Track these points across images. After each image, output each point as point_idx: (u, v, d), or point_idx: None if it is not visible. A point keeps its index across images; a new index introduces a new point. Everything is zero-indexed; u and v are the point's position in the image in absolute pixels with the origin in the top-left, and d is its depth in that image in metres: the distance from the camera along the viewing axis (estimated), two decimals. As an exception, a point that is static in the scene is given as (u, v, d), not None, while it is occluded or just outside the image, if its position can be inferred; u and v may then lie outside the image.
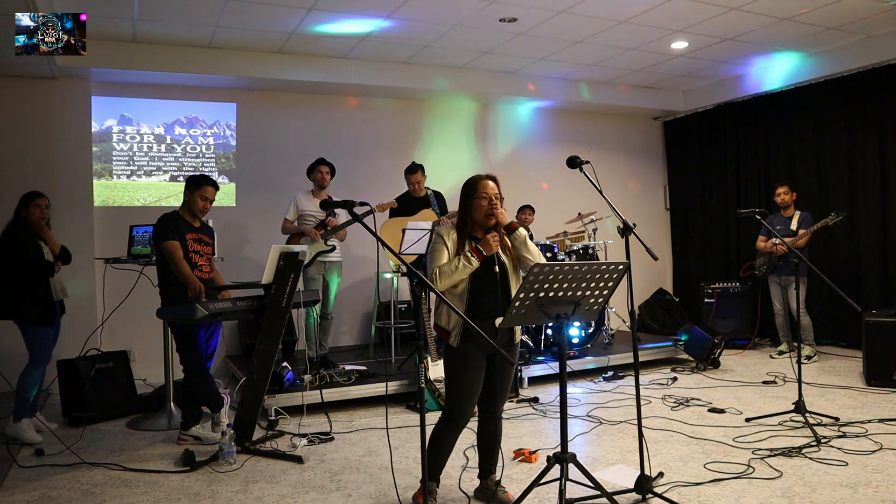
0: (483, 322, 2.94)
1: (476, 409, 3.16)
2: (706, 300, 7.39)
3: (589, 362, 6.02)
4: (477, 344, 2.97)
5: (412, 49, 6.56)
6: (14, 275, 4.34)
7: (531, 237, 6.73)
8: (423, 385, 2.67)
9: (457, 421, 3.03)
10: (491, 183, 3.05)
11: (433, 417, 3.11)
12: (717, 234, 8.45)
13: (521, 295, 2.68)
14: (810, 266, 4.65)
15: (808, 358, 6.27)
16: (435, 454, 3.03)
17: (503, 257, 3.09)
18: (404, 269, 2.92)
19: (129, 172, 6.55)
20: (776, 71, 7.40)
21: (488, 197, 3.01)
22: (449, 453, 3.12)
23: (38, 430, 4.45)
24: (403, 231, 5.49)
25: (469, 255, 2.92)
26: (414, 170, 6.04)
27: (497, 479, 3.24)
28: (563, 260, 6.25)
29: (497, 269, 3.03)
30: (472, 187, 3.05)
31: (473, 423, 3.24)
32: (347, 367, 5.39)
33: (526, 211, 7.07)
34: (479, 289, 2.99)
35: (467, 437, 3.44)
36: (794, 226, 6.30)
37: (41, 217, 4.45)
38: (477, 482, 3.29)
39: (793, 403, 4.34)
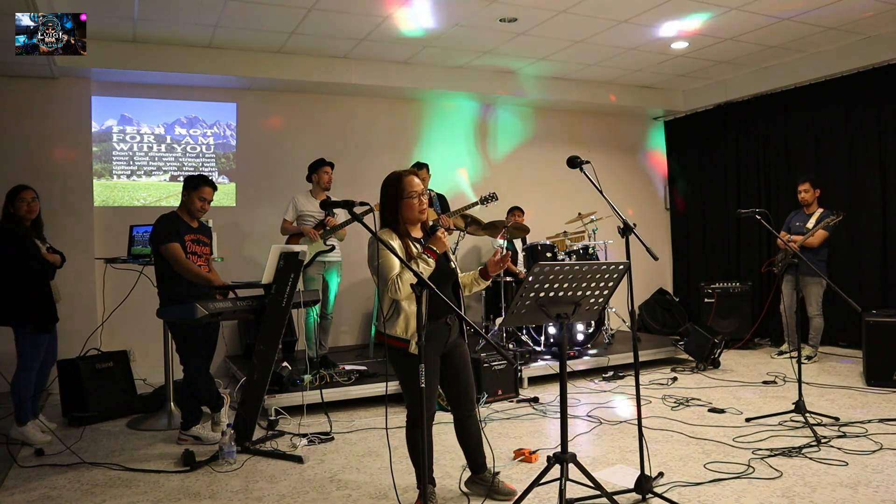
0: (437, 321, 2.92)
1: (451, 413, 3.17)
2: (706, 300, 7.39)
3: (589, 362, 6.02)
4: (431, 345, 2.92)
5: (412, 49, 6.56)
6: (12, 277, 4.22)
7: (525, 240, 6.79)
8: (423, 385, 2.67)
9: (424, 422, 2.99)
10: (416, 179, 2.99)
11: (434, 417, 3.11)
12: (717, 234, 8.44)
13: (522, 295, 2.68)
14: (810, 266, 4.66)
15: (809, 358, 6.26)
16: (418, 458, 2.99)
17: (450, 254, 3.09)
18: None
19: (129, 172, 6.55)
20: (776, 71, 7.40)
21: (418, 195, 2.97)
22: (431, 453, 3.12)
23: (43, 431, 4.42)
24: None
25: (425, 257, 2.86)
26: (419, 168, 6.10)
27: (495, 470, 3.25)
28: (563, 260, 6.25)
29: (453, 266, 3.01)
30: (398, 186, 2.97)
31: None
32: (347, 367, 5.39)
33: (516, 212, 7.07)
34: (436, 288, 2.92)
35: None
36: (810, 224, 6.26)
37: (29, 211, 4.30)
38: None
39: (793, 403, 4.34)
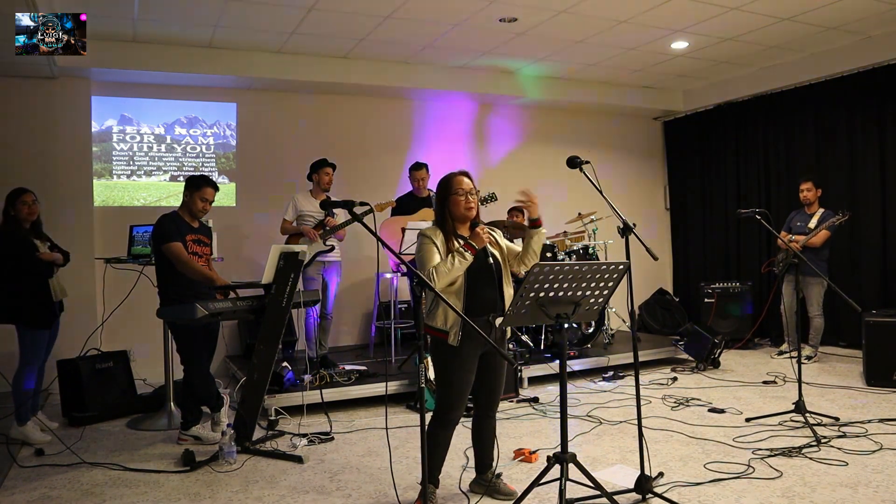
0: (479, 318, 2.98)
1: (472, 411, 3.22)
2: (706, 300, 7.38)
3: (589, 362, 6.02)
4: (473, 342, 2.99)
5: (412, 49, 6.55)
6: (12, 277, 4.26)
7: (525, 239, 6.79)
8: (423, 385, 2.68)
9: (451, 420, 3.05)
10: (465, 178, 3.09)
11: (433, 417, 3.11)
12: (717, 234, 8.44)
13: (522, 295, 2.68)
14: (811, 266, 4.66)
15: (809, 358, 6.26)
16: (432, 455, 3.02)
17: (493, 251, 3.13)
18: (404, 268, 2.93)
19: (129, 172, 6.55)
20: (776, 71, 7.40)
21: (465, 192, 3.05)
22: (446, 452, 3.13)
23: (42, 430, 4.42)
24: (403, 230, 5.50)
25: (462, 250, 2.94)
26: (419, 167, 6.12)
27: (497, 472, 3.28)
28: (563, 260, 6.25)
29: (492, 262, 3.07)
30: (447, 185, 3.09)
31: (466, 422, 3.25)
32: (347, 367, 5.39)
33: (516, 212, 7.06)
34: (476, 284, 3.02)
35: (467, 436, 3.44)
36: (812, 223, 6.25)
37: (30, 214, 4.35)
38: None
39: (793, 403, 4.34)
